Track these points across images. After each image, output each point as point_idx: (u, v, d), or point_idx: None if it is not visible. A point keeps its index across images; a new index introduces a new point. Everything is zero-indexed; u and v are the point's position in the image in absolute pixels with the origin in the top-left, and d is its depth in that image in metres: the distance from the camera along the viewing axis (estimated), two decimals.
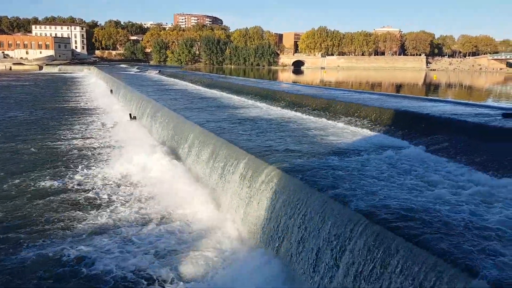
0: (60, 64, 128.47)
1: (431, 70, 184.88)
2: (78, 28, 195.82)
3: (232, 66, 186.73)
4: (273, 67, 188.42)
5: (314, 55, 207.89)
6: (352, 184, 8.47)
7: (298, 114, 20.29)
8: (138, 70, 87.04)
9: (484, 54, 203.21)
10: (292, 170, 9.63)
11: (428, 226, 6.23)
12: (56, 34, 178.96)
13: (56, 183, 14.67)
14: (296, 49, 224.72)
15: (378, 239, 6.26)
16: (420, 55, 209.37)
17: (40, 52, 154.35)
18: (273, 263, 8.31)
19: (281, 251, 8.41)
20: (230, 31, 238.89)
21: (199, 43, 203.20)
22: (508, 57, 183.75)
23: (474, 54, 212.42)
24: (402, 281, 5.59)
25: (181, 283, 8.31)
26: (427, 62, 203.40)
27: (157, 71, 73.74)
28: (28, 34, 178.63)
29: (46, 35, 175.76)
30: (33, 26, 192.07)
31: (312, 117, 19.20)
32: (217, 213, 11.22)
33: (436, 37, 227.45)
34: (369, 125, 16.00)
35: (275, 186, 9.41)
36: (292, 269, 7.87)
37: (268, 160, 10.55)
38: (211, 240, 9.89)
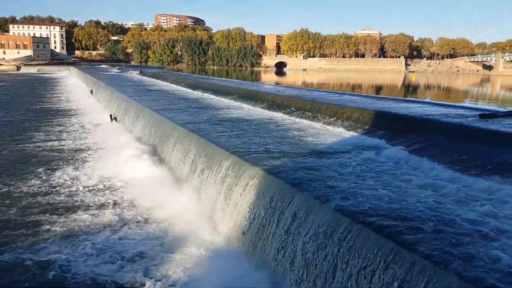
0: (39, 65, 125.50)
1: (410, 72, 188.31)
2: (57, 28, 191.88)
3: (215, 67, 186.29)
4: (255, 68, 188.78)
5: (296, 56, 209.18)
6: (331, 184, 8.52)
7: (280, 114, 20.34)
8: (119, 71, 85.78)
9: (462, 56, 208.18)
10: (273, 171, 9.63)
11: (406, 225, 6.31)
12: (34, 34, 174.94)
13: (28, 187, 14.08)
14: (278, 51, 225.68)
15: (359, 238, 6.31)
16: (399, 57, 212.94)
17: (18, 52, 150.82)
18: (253, 264, 8.29)
19: (262, 253, 8.39)
20: (212, 32, 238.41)
21: (181, 43, 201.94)
22: (484, 59, 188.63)
23: (451, 56, 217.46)
24: (384, 278, 5.65)
25: (157, 285, 8.16)
26: (406, 64, 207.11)
27: (138, 72, 72.70)
28: (5, 33, 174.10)
29: (24, 34, 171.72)
30: (11, 26, 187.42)
31: (294, 118, 19.28)
32: (197, 215, 11.09)
33: (415, 39, 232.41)
34: (350, 126, 16.15)
35: (256, 187, 9.39)
36: (273, 271, 7.87)
37: (250, 161, 10.52)
38: (190, 242, 9.73)
